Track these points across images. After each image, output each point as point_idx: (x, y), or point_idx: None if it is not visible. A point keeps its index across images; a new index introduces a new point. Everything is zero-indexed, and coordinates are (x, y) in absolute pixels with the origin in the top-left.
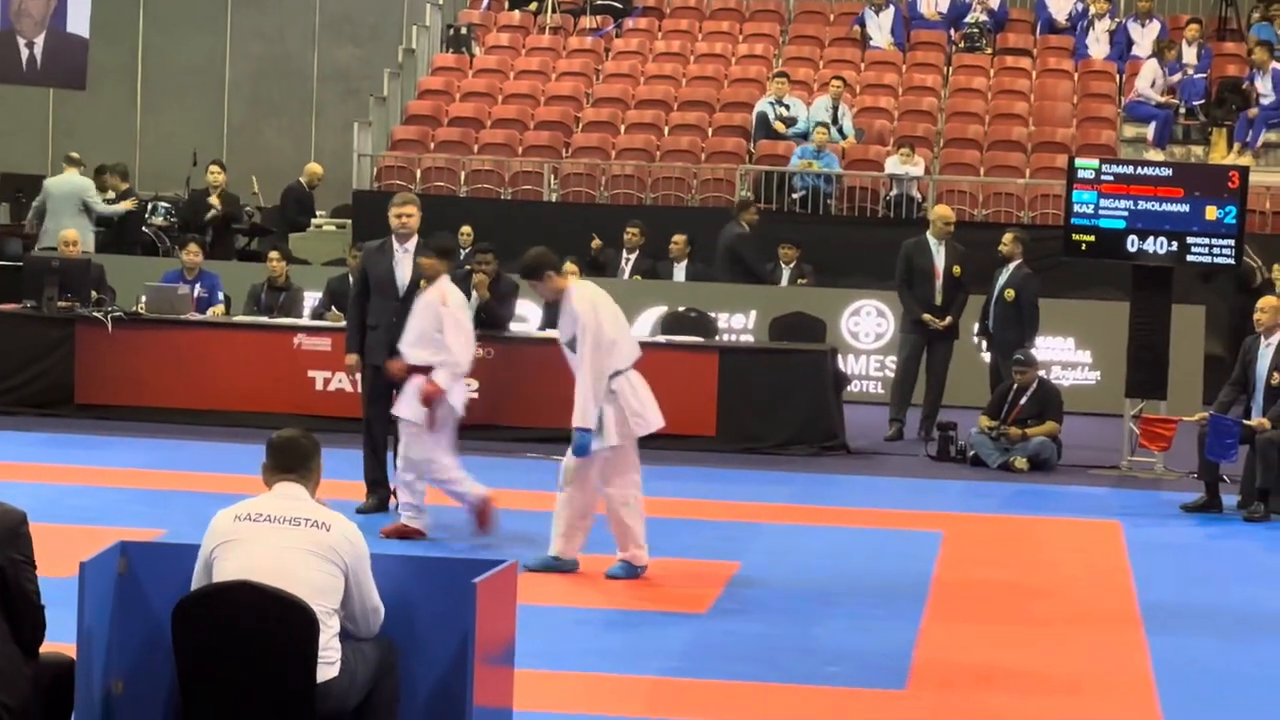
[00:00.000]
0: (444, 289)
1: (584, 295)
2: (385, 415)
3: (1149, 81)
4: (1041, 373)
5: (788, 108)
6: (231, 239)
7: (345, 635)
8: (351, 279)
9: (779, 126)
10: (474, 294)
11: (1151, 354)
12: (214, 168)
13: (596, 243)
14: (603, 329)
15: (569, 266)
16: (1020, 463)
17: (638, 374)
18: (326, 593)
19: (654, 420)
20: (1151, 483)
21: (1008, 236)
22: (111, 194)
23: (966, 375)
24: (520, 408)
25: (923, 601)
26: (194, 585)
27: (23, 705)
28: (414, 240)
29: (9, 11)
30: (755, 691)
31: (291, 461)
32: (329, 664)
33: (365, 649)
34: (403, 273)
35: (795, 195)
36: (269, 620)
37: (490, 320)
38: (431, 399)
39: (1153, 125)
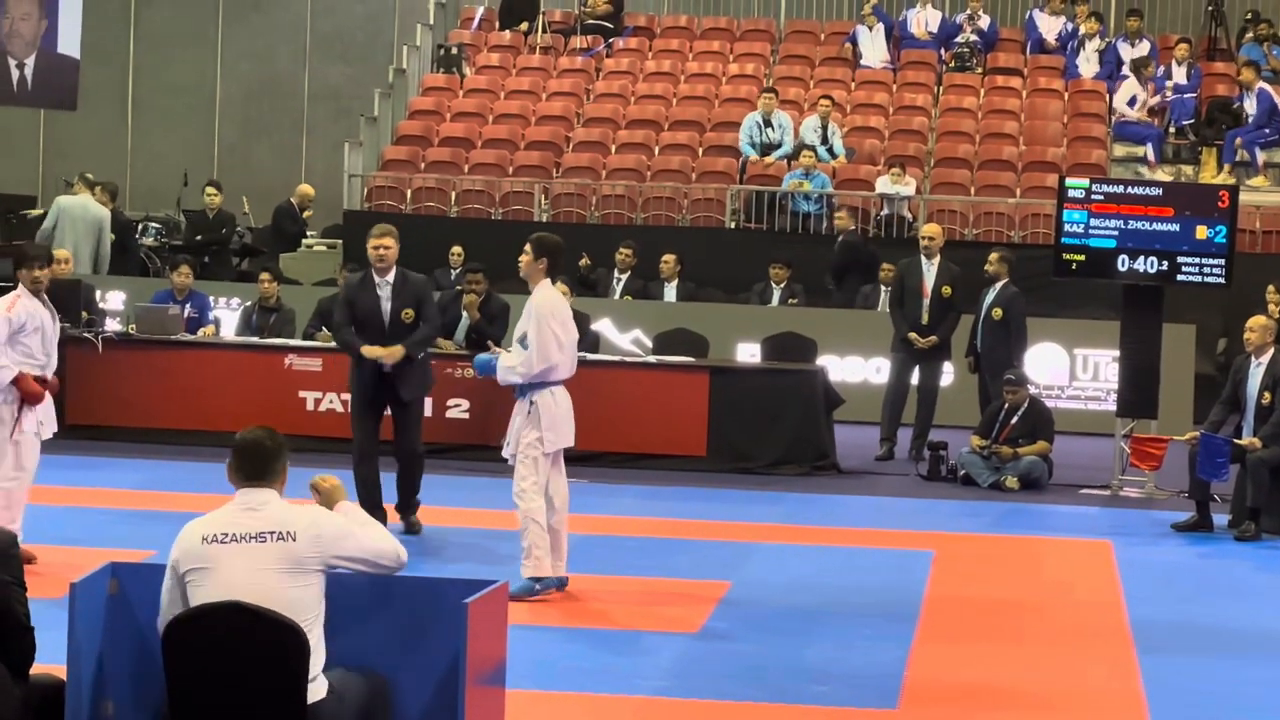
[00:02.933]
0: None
1: (547, 299)
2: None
3: (1127, 98)
4: (1032, 390)
5: (772, 125)
6: (228, 259)
7: (330, 664)
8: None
9: (754, 159)
10: (464, 314)
11: (1142, 373)
12: (210, 189)
13: (585, 261)
14: (552, 337)
15: (560, 287)
16: (1011, 482)
17: (564, 391)
18: (309, 605)
19: (564, 439)
20: (1142, 502)
21: (993, 256)
22: None
23: (957, 395)
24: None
25: (914, 621)
26: (165, 602)
27: None
28: (394, 273)
29: (0, 33)
30: (746, 711)
31: (255, 466)
32: (316, 685)
33: (354, 678)
34: (386, 307)
35: (795, 213)
36: (259, 641)
37: (480, 340)
38: None
39: (1149, 145)
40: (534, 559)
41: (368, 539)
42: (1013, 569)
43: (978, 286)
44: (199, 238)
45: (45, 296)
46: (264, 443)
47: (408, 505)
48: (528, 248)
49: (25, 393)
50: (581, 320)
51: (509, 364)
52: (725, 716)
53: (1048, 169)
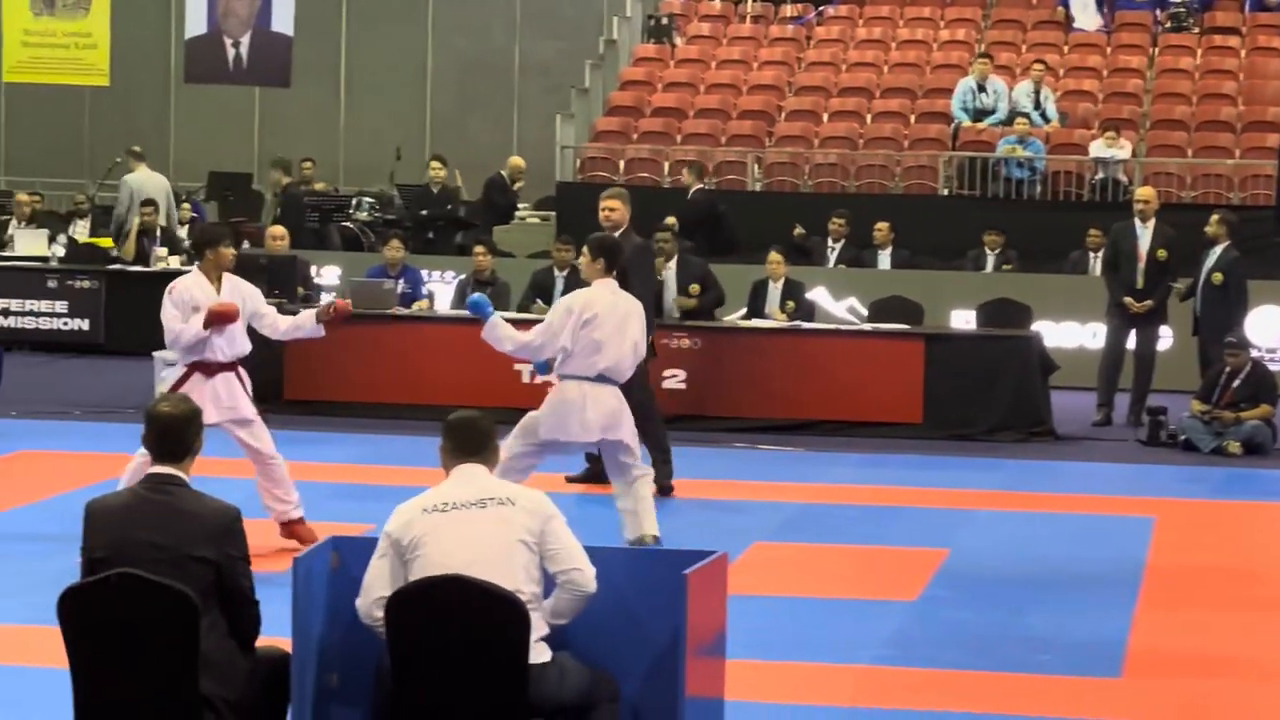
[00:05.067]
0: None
1: (581, 294)
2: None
3: None
4: (1255, 354)
5: (986, 91)
6: (451, 234)
7: (559, 644)
8: (556, 272)
9: (967, 125)
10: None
11: None
12: (434, 163)
13: (799, 230)
14: (560, 323)
15: (774, 256)
16: (1234, 447)
17: (581, 389)
18: (528, 569)
19: (570, 433)
20: None
21: (1214, 218)
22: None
23: (1176, 359)
24: (728, 398)
25: (1136, 588)
26: (372, 578)
27: (240, 699)
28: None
29: (216, 13)
30: (967, 680)
31: (472, 443)
32: (537, 651)
33: (578, 663)
34: None
35: (1008, 179)
36: (480, 613)
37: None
38: None
39: None
40: None
41: (581, 554)
42: (1236, 535)
43: (1194, 249)
44: (424, 212)
45: (230, 276)
46: (478, 421)
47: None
48: (585, 249)
49: (216, 316)
50: (796, 289)
51: (508, 332)
52: (946, 686)
53: (1268, 129)
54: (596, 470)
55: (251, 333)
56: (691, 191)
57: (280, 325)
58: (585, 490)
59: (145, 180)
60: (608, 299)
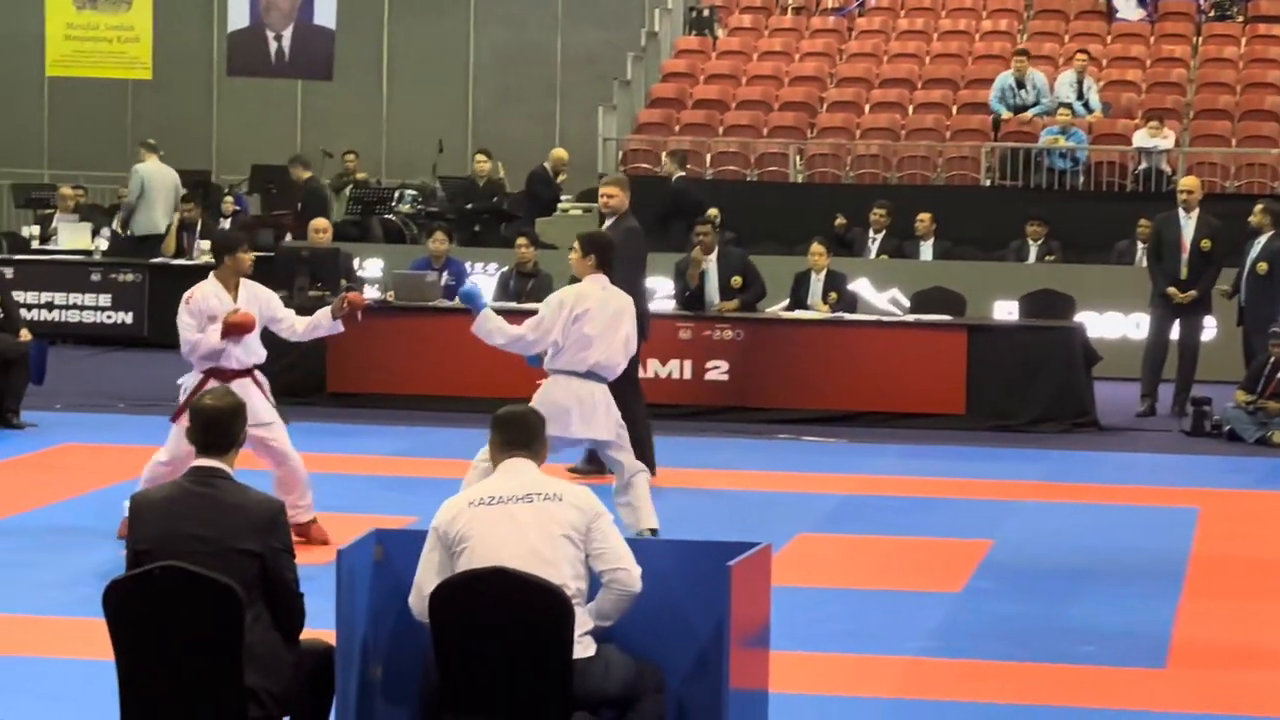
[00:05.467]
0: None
1: (573, 289)
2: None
3: None
4: None
5: (1025, 87)
6: (497, 227)
7: (603, 638)
8: None
9: (1007, 117)
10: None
11: None
12: (480, 156)
13: (840, 221)
14: (552, 318)
15: (816, 248)
16: (1278, 437)
17: (567, 384)
18: (573, 564)
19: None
20: None
21: (1258, 208)
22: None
23: (1220, 350)
24: (770, 389)
25: (1180, 579)
26: (422, 573)
27: (285, 691)
28: (611, 220)
29: (258, 6)
30: (1012, 671)
31: (520, 436)
32: (582, 645)
33: (623, 655)
34: None
35: (1050, 169)
36: (524, 605)
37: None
38: None
39: None
40: None
41: (627, 553)
42: None
43: (1238, 240)
44: (470, 206)
45: (246, 282)
46: (527, 415)
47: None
48: (576, 244)
49: (233, 327)
50: (838, 280)
51: (498, 325)
52: (991, 677)
53: None
54: (598, 460)
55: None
56: (674, 179)
57: (298, 327)
58: (589, 480)
59: (154, 173)
60: (599, 295)
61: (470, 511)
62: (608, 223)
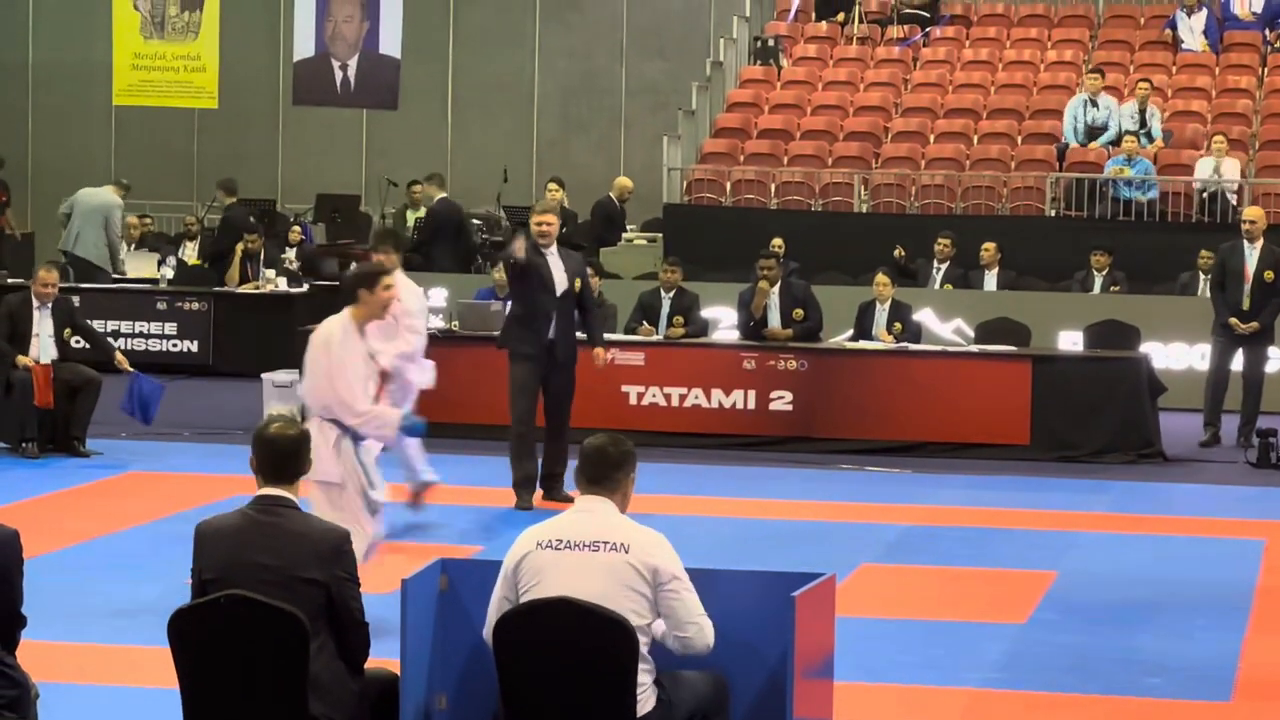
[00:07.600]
0: None
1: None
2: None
3: None
4: None
5: (1098, 106)
6: None
7: (670, 666)
8: (662, 294)
9: (1075, 146)
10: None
11: None
12: (552, 185)
13: (899, 251)
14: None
15: (881, 279)
16: None
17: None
18: (638, 611)
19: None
20: None
21: None
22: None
23: None
24: (834, 419)
25: (1246, 611)
26: (497, 603)
27: None
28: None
29: (324, 36)
30: (1077, 704)
31: (595, 473)
32: (644, 696)
33: (693, 679)
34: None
35: (1115, 199)
36: (589, 637)
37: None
38: None
39: None
40: None
41: (697, 606)
42: None
43: None
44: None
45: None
46: (606, 449)
47: None
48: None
49: None
50: (902, 310)
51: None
52: (1056, 709)
53: None
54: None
55: None
56: (435, 200)
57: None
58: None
59: (90, 196)
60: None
61: (538, 554)
62: (551, 249)
